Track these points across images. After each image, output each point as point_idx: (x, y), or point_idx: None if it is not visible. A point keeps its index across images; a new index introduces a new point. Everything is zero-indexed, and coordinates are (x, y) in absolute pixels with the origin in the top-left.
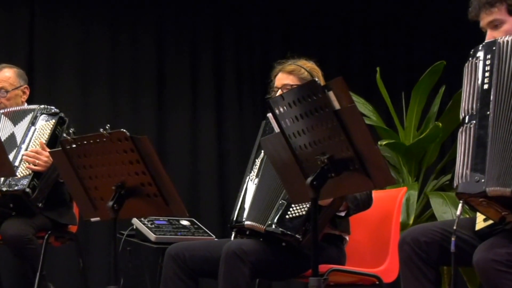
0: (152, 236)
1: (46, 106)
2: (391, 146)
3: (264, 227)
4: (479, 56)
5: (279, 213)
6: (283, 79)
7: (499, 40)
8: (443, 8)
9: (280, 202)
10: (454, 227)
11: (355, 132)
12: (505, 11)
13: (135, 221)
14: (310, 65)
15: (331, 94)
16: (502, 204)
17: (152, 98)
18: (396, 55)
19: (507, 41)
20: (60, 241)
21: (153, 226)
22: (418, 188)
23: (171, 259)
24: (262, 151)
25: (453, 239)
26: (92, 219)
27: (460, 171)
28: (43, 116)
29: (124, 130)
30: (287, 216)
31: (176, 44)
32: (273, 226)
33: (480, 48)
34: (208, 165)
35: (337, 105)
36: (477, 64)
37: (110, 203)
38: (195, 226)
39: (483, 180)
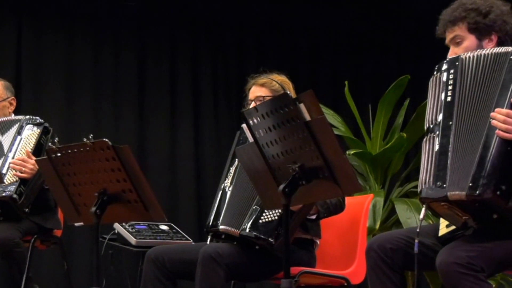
0: (132, 240)
1: (31, 117)
2: (358, 155)
3: (239, 232)
4: (443, 71)
5: (253, 218)
6: (256, 92)
7: (461, 56)
8: (407, 26)
9: (254, 207)
10: (417, 230)
11: (324, 142)
12: (465, 28)
13: (116, 225)
14: (281, 78)
15: (302, 106)
16: (462, 209)
17: (133, 109)
18: (364, 70)
19: (469, 57)
20: (46, 244)
21: (133, 230)
22: (384, 195)
23: (150, 262)
24: (236, 159)
25: (416, 241)
26: (76, 224)
27: (424, 177)
28: (28, 126)
29: (106, 140)
30: (260, 221)
31: (156, 58)
32: (247, 231)
33: (444, 63)
34: (185, 173)
35: (307, 117)
36: (441, 78)
37: (93, 209)
38: (174, 230)
39: (444, 185)
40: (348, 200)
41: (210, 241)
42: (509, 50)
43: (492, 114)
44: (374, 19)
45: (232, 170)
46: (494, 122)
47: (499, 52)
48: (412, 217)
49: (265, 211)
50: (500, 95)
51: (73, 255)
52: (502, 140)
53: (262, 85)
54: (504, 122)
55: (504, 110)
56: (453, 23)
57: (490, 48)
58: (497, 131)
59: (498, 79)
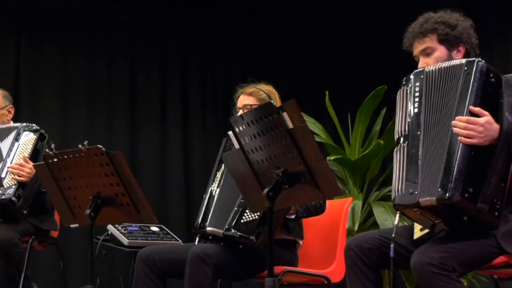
0: (125, 240)
1: (28, 124)
2: (338, 161)
3: (222, 231)
4: (410, 84)
5: (235, 218)
6: (244, 100)
7: (426, 70)
8: (384, 39)
9: (235, 208)
10: (393, 235)
11: (306, 148)
12: (436, 40)
13: (110, 227)
14: (268, 88)
15: (285, 114)
16: (434, 213)
17: (126, 117)
18: (343, 81)
19: (433, 70)
20: (43, 245)
21: (126, 231)
22: (362, 198)
23: (142, 261)
24: (223, 165)
25: (392, 246)
26: (71, 226)
27: (396, 185)
28: (25, 132)
29: (100, 146)
30: (242, 221)
31: (147, 69)
32: (231, 230)
33: (410, 77)
34: (175, 177)
35: (290, 125)
36: (408, 91)
37: (88, 211)
38: (164, 232)
39: (416, 192)
40: (328, 203)
41: (198, 242)
42: (463, 61)
43: (453, 122)
44: (353, 34)
45: (218, 174)
46: (455, 129)
47: (455, 64)
48: (389, 219)
49: (246, 211)
50: (459, 103)
51: (68, 255)
52: (465, 145)
53: (250, 94)
54: (465, 128)
55: (464, 117)
56: (424, 34)
57: (449, 61)
58: (459, 137)
59: (456, 89)
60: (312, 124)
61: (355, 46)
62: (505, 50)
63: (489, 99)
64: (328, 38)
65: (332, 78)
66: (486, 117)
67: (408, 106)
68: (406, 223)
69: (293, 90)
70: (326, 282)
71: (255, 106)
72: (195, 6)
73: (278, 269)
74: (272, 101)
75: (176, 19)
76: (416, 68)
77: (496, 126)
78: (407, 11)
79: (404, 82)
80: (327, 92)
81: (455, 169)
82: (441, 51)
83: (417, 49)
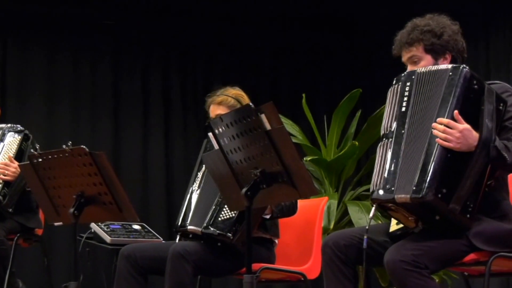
0: (108, 238)
1: (12, 125)
2: (314, 161)
3: (201, 230)
4: (401, 83)
5: (213, 216)
6: (215, 110)
7: (417, 71)
8: (360, 45)
9: (214, 207)
10: (367, 227)
11: (283, 149)
12: (422, 49)
13: (93, 225)
14: (235, 91)
15: (263, 116)
16: (407, 210)
17: (109, 119)
18: (319, 84)
19: (424, 72)
20: (28, 242)
21: (108, 229)
22: (337, 198)
23: (124, 259)
24: (203, 165)
25: (365, 237)
26: (56, 224)
27: (376, 180)
28: (10, 133)
29: (84, 147)
30: (219, 218)
31: (130, 72)
32: (210, 228)
33: (402, 76)
34: (157, 177)
35: (268, 126)
36: (399, 90)
37: (71, 210)
38: (145, 230)
39: (393, 188)
40: (304, 202)
41: (179, 240)
42: (449, 67)
43: (433, 124)
44: (329, 39)
45: (199, 175)
46: (435, 131)
47: (441, 69)
48: (363, 218)
49: (223, 209)
50: (441, 107)
51: (53, 252)
52: (442, 147)
53: (220, 103)
54: (443, 131)
55: (445, 120)
56: (410, 44)
57: (437, 65)
58: (437, 139)
59: (439, 93)
60: (289, 126)
61: (331, 51)
62: (476, 56)
63: (470, 104)
64: (305, 42)
65: (309, 81)
66: (466, 125)
67: (397, 104)
68: (380, 221)
69: (271, 93)
70: (302, 279)
71: (233, 110)
72: (177, 12)
73: (256, 266)
74: (250, 104)
75: (159, 24)
76: (391, 73)
77: (475, 135)
78: (382, 16)
79: (395, 80)
80: (304, 95)
81: (431, 170)
82: (427, 60)
83: (404, 57)
